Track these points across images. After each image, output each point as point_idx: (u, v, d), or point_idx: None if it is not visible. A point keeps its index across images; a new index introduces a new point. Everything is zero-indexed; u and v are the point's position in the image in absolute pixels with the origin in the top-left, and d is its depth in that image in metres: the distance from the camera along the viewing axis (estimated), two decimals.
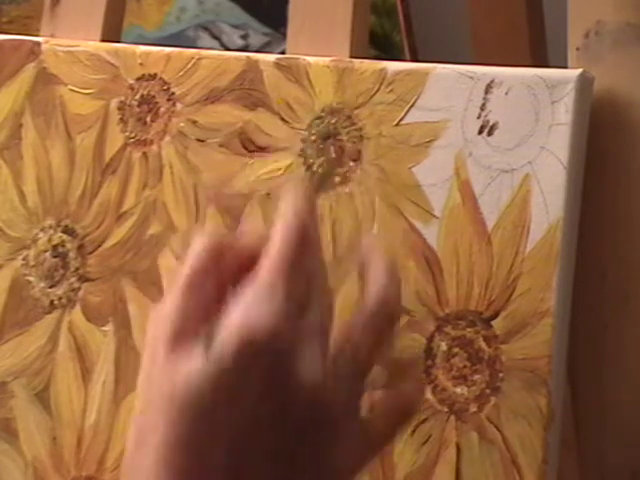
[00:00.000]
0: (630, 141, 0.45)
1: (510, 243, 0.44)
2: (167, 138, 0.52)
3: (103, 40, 0.56)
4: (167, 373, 0.36)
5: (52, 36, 0.58)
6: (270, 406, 0.36)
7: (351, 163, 0.48)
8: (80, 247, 0.53)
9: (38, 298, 0.53)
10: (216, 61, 0.51)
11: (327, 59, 0.49)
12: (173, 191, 0.51)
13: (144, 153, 0.52)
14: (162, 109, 0.52)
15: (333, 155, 0.48)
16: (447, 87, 0.46)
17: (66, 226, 0.54)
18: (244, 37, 0.86)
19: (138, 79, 0.53)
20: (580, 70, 0.44)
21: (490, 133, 0.45)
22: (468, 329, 0.44)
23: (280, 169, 0.49)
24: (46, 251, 0.54)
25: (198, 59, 0.52)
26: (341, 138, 0.48)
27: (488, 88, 0.45)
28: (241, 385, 0.35)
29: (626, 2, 0.46)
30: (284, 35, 0.53)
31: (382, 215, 0.47)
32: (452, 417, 0.44)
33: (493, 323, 0.44)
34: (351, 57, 0.50)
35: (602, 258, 0.46)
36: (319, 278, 0.38)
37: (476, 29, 0.64)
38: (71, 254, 0.53)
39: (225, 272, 0.38)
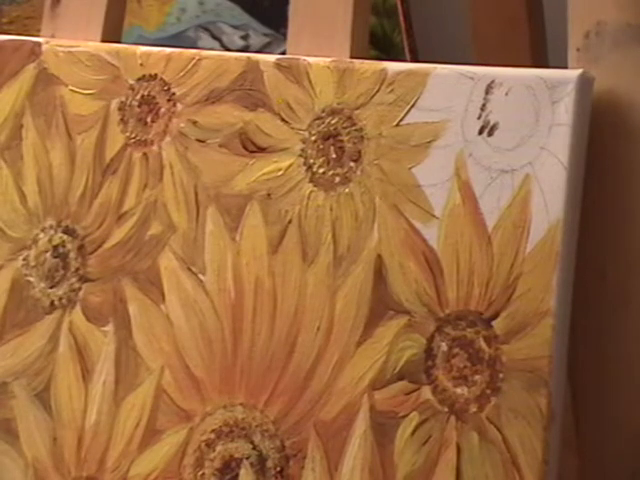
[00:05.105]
0: (630, 141, 0.45)
1: (510, 243, 0.44)
2: (167, 138, 0.52)
3: (104, 40, 0.57)
4: None
5: (52, 36, 0.58)
6: None
7: (351, 163, 0.48)
8: (80, 247, 0.53)
9: (38, 298, 0.54)
10: (216, 62, 0.51)
11: (327, 60, 0.49)
12: (173, 191, 0.51)
13: (144, 153, 0.52)
14: (162, 110, 0.52)
15: (333, 155, 0.48)
16: (447, 87, 0.46)
17: (66, 226, 0.54)
18: (244, 38, 0.86)
19: (139, 79, 0.53)
20: (580, 70, 0.44)
21: (490, 133, 0.45)
22: (468, 329, 0.44)
23: (280, 169, 0.49)
24: (46, 251, 0.54)
25: (198, 60, 0.52)
26: (341, 138, 0.48)
27: (488, 88, 0.45)
28: None
29: (626, 3, 0.46)
30: (284, 36, 0.53)
31: (382, 215, 0.47)
32: (452, 417, 0.44)
33: (493, 323, 0.44)
34: (351, 58, 0.50)
35: (602, 258, 0.46)
36: None
37: (476, 29, 0.64)
38: (71, 254, 0.53)
39: None
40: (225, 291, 0.49)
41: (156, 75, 0.53)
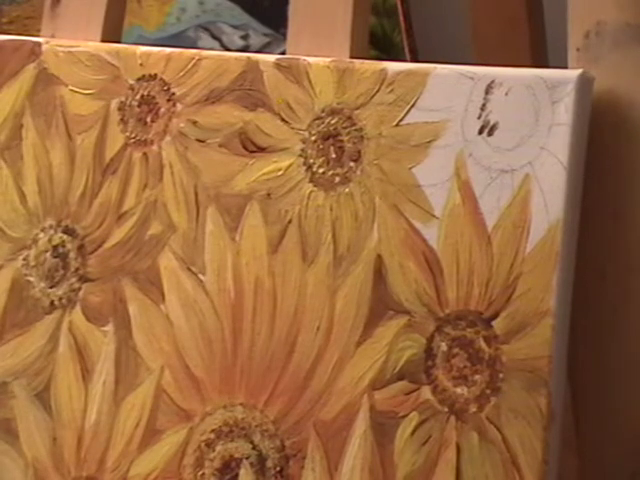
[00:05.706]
0: (630, 141, 0.45)
1: (510, 243, 0.44)
2: (167, 138, 0.52)
3: (103, 40, 0.57)
4: None
5: (52, 36, 0.58)
6: None
7: (351, 163, 0.48)
8: (80, 247, 0.53)
9: (38, 298, 0.54)
10: (216, 61, 0.51)
11: (327, 59, 0.49)
12: (173, 191, 0.51)
13: (144, 153, 0.52)
14: (162, 109, 0.52)
15: (333, 155, 0.48)
16: (447, 87, 0.46)
17: (66, 226, 0.54)
18: (244, 38, 0.86)
19: (138, 79, 0.53)
20: (580, 70, 0.44)
21: (490, 133, 0.45)
22: (468, 329, 0.44)
23: (280, 169, 0.49)
24: (46, 251, 0.54)
25: (198, 59, 0.52)
26: (341, 138, 0.48)
27: (488, 88, 0.45)
28: None
29: (626, 2, 0.46)
30: (284, 36, 0.53)
31: (382, 215, 0.47)
32: (452, 417, 0.44)
33: (493, 323, 0.44)
34: (351, 57, 0.50)
35: (602, 258, 0.46)
36: None
37: (476, 29, 0.64)
38: (71, 254, 0.53)
39: None
40: (225, 291, 0.49)
41: (156, 75, 0.53)
